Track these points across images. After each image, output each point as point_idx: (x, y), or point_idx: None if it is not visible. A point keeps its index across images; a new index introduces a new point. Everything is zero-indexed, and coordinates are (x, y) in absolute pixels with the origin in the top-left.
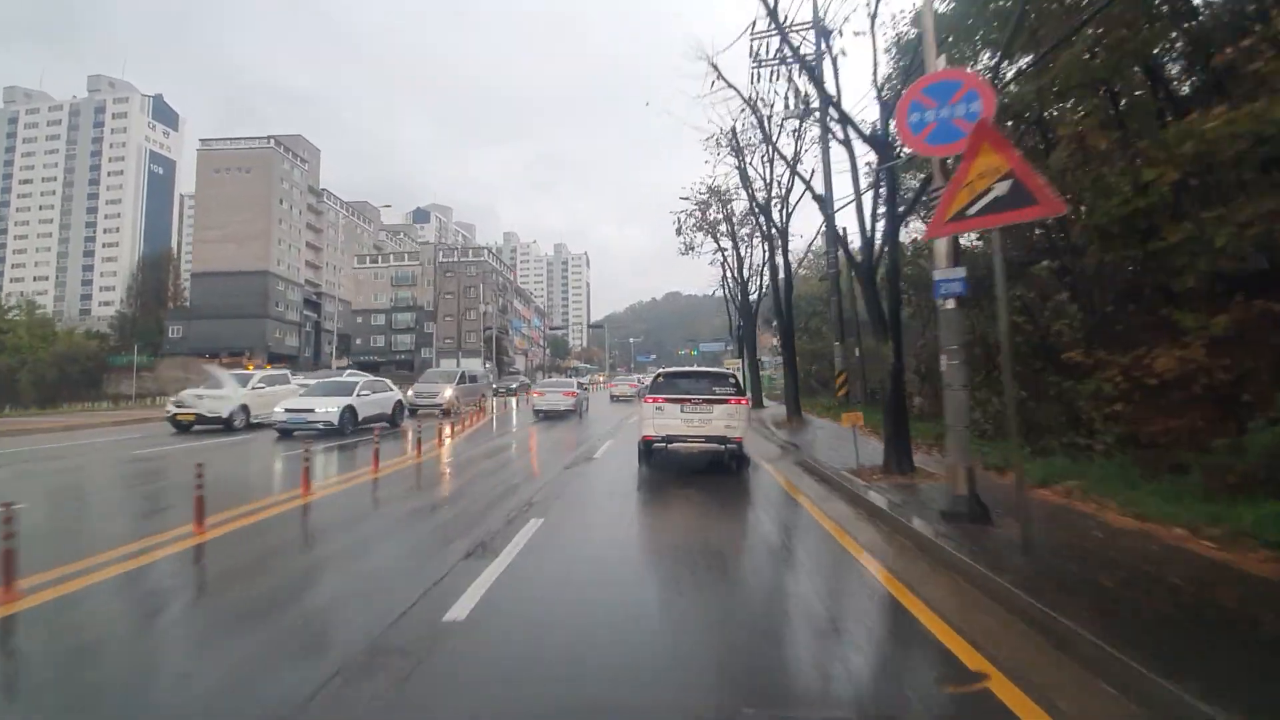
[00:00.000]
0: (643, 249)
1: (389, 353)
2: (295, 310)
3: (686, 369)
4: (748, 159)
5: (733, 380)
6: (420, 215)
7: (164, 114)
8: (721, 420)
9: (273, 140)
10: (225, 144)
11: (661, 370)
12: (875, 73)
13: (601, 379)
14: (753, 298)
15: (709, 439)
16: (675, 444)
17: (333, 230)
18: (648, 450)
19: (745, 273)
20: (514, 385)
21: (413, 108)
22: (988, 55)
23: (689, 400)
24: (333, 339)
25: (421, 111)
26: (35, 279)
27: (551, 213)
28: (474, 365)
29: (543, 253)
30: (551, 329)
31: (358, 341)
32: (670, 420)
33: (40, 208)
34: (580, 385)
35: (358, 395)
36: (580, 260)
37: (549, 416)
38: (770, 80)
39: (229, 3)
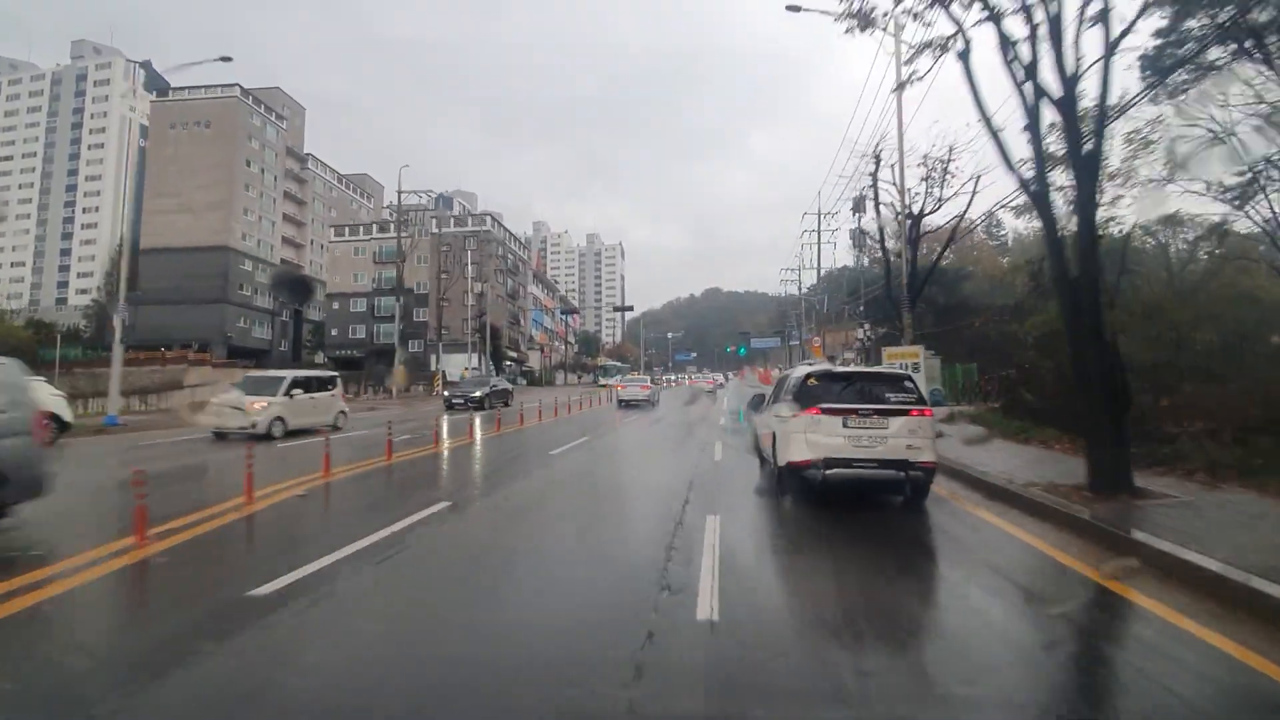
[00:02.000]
0: (680, 250)
1: (370, 345)
2: (267, 295)
3: (848, 369)
4: None
5: (910, 384)
6: (441, 203)
7: (156, 85)
8: (901, 438)
9: (239, 89)
10: (183, 95)
11: (813, 370)
12: None
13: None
14: None
15: (884, 463)
16: (837, 470)
17: (321, 204)
18: (791, 476)
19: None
20: (477, 392)
21: (445, 110)
22: None
23: (856, 411)
24: (318, 329)
25: (454, 114)
26: (13, 264)
27: (586, 214)
28: (297, 373)
29: (574, 244)
30: (582, 318)
31: (334, 332)
32: (829, 438)
33: (20, 186)
34: (653, 380)
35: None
36: (614, 251)
37: (630, 406)
38: None
39: (258, 8)
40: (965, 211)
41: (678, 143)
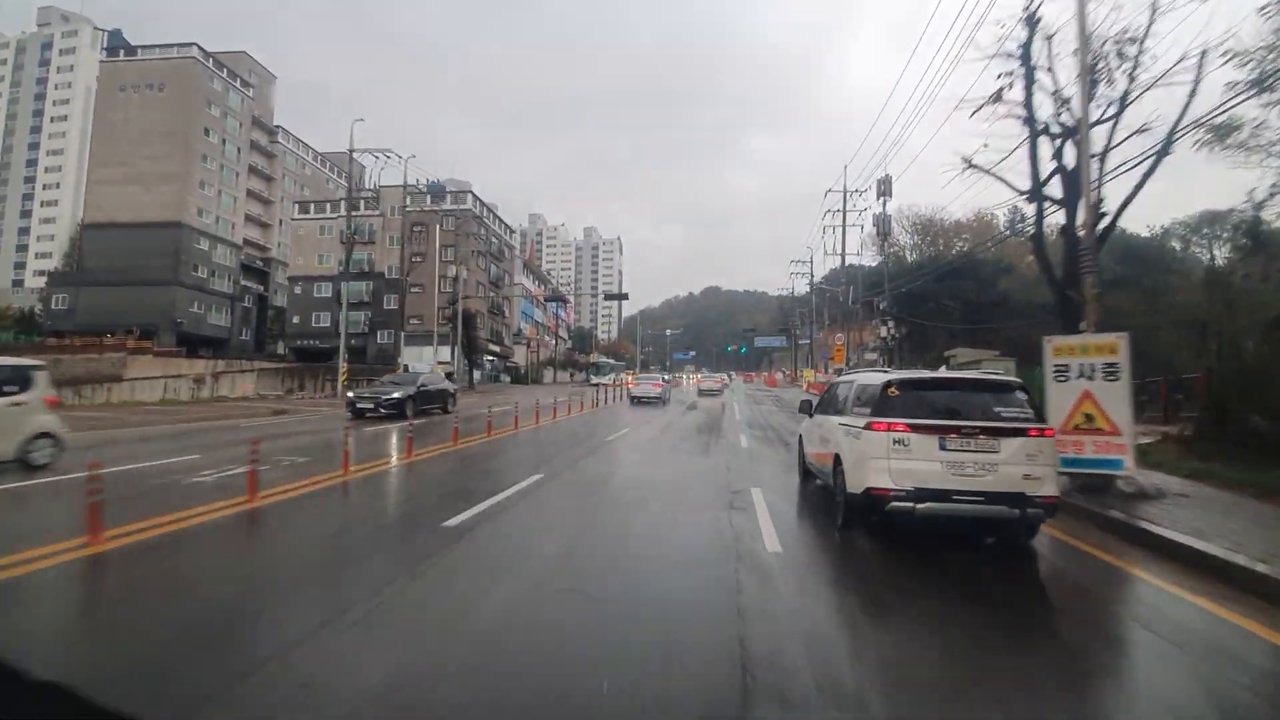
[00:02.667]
0: (680, 250)
1: (337, 337)
2: (227, 278)
3: (942, 375)
4: None
5: (1022, 395)
6: (433, 190)
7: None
8: (1017, 464)
9: (198, 49)
10: (136, 55)
11: (895, 377)
12: None
13: (630, 377)
14: None
15: (994, 497)
16: (932, 505)
17: (293, 182)
18: (866, 508)
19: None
20: (397, 394)
21: (446, 107)
22: None
23: (958, 430)
24: (279, 315)
25: (456, 110)
26: None
27: (586, 213)
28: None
29: (571, 237)
30: (577, 314)
31: (295, 320)
32: (922, 463)
33: None
34: (665, 379)
35: None
36: (612, 246)
37: (642, 402)
38: None
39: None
40: (1187, 105)
41: (679, 143)
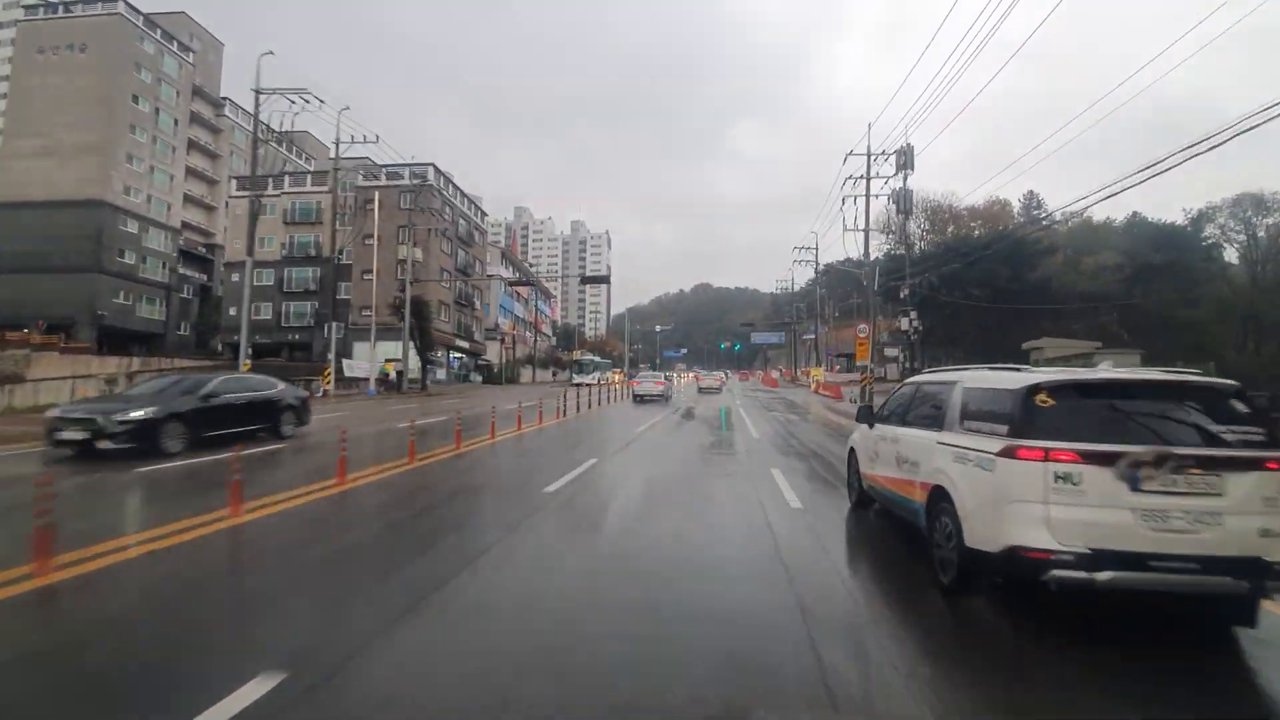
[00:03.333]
0: (669, 248)
1: (279, 330)
2: (162, 265)
3: (1121, 376)
4: None
5: (1240, 405)
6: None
7: None
8: (1249, 514)
9: (124, 4)
10: (57, 13)
11: (1044, 379)
12: None
13: (618, 377)
14: None
15: (1214, 563)
16: (1121, 574)
17: (242, 160)
18: (1008, 570)
19: None
20: (126, 414)
21: (432, 105)
22: None
23: (1159, 460)
24: (216, 306)
25: (446, 108)
26: None
27: (576, 212)
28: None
29: (558, 231)
30: (564, 310)
31: (233, 311)
32: (1104, 511)
33: None
34: (667, 376)
35: None
36: (600, 240)
37: (644, 401)
38: None
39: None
40: None
41: (669, 142)
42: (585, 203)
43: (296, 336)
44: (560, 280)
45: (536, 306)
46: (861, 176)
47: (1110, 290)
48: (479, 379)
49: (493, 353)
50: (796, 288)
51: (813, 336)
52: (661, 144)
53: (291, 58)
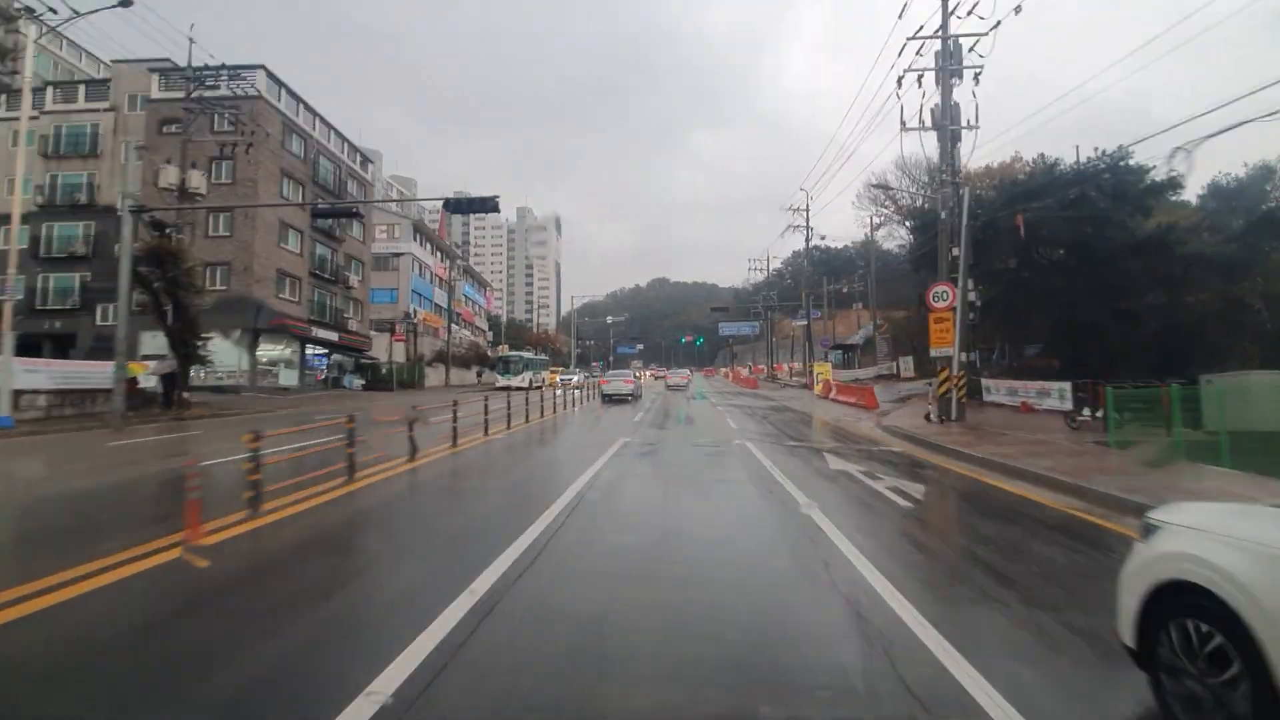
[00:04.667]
0: (625, 246)
1: (32, 316)
2: None
3: None
4: None
5: None
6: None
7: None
8: None
9: None
10: None
11: None
12: None
13: (558, 376)
14: None
15: None
16: None
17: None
18: None
19: None
20: None
21: (388, 95)
22: None
23: None
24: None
25: (397, 100)
26: None
27: (531, 208)
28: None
29: (503, 218)
30: (510, 305)
31: None
32: None
33: None
34: (635, 376)
35: None
36: (548, 226)
37: (614, 401)
38: None
39: None
40: None
41: (625, 141)
42: (541, 200)
43: (59, 325)
44: (505, 271)
45: (464, 294)
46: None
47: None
48: (358, 383)
49: (380, 348)
50: (776, 266)
51: (804, 323)
52: (620, 144)
53: (228, 37)
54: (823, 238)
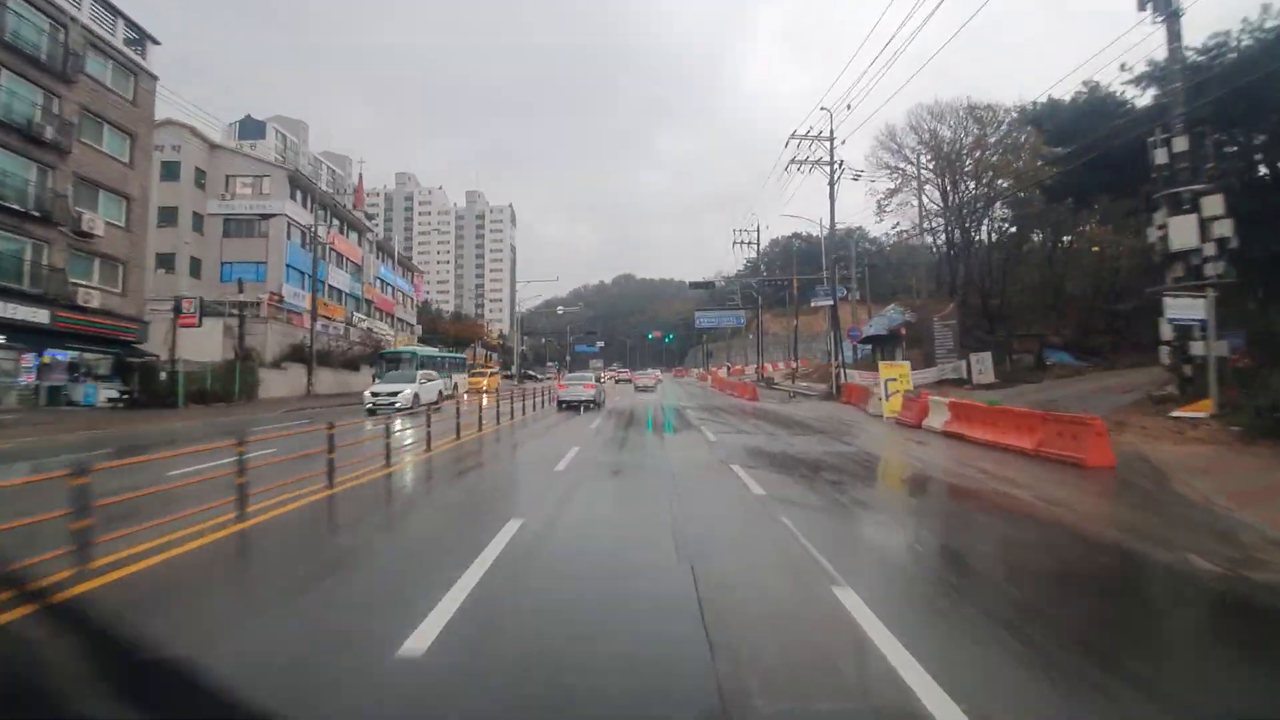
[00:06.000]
0: (591, 244)
1: None
2: None
3: None
4: None
5: None
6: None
7: None
8: None
9: None
10: None
11: None
12: None
13: (488, 382)
14: None
15: None
16: None
17: None
18: None
19: None
20: None
21: (349, 93)
22: None
23: None
24: None
25: (358, 98)
26: None
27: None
28: None
29: (450, 204)
30: (456, 298)
31: None
32: None
33: None
34: (598, 380)
35: None
36: (502, 215)
37: (571, 407)
38: None
39: None
40: None
41: (588, 141)
42: (502, 198)
43: None
44: (454, 260)
45: (370, 267)
46: None
47: None
48: (109, 394)
49: (158, 337)
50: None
51: (829, 302)
52: (584, 144)
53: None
54: (854, 172)
